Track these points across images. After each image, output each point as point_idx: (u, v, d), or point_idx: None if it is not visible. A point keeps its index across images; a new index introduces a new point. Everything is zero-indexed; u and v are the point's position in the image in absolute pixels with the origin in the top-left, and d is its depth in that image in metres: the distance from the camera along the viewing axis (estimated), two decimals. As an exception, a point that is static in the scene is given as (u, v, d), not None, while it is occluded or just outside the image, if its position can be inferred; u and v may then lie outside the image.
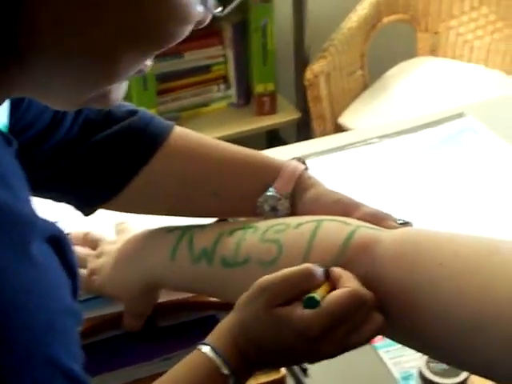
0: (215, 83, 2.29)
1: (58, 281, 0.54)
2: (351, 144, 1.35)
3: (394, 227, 0.78)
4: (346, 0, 2.20)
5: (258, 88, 2.26)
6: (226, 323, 0.72)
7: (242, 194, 0.85)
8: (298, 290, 0.70)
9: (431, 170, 1.29)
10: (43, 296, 0.51)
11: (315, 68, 2.06)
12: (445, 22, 2.28)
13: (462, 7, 2.25)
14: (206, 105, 2.30)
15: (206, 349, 0.71)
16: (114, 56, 0.57)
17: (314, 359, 0.72)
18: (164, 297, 0.90)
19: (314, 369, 0.92)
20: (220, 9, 0.62)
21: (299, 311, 0.68)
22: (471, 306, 0.68)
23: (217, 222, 0.88)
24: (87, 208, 0.88)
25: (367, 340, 0.70)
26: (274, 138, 2.45)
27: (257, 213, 0.85)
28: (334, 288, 0.71)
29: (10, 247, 0.50)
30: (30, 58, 0.55)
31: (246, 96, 2.31)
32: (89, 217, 0.89)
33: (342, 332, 0.69)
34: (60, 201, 0.88)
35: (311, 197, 0.83)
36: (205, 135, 0.89)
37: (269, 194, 0.84)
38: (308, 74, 2.06)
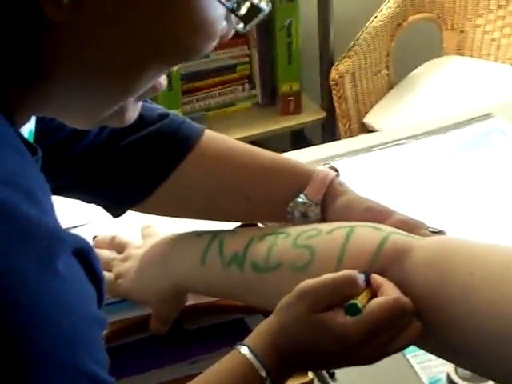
0: (240, 83, 2.28)
1: (82, 291, 0.54)
2: (378, 145, 1.34)
3: (426, 235, 0.77)
4: (371, -1, 2.19)
5: (283, 88, 2.26)
6: (266, 325, 0.72)
7: (274, 199, 0.85)
8: (340, 296, 0.70)
9: (459, 172, 1.27)
10: (68, 307, 0.52)
11: (340, 68, 2.05)
12: (471, 21, 2.26)
13: (489, 5, 2.23)
14: (231, 105, 2.29)
15: (244, 350, 0.71)
16: (136, 70, 0.57)
17: (351, 364, 0.72)
18: (191, 300, 0.90)
19: (341, 373, 0.91)
20: (242, 25, 0.62)
21: (341, 318, 0.69)
22: (501, 315, 0.67)
23: (246, 227, 0.88)
24: (117, 210, 0.88)
25: (406, 346, 0.71)
26: (298, 137, 2.44)
27: (287, 218, 0.84)
28: (374, 295, 0.71)
29: (37, 261, 0.50)
30: (53, 76, 0.56)
31: (271, 96, 2.30)
32: (115, 220, 0.89)
33: (383, 340, 0.69)
34: (89, 202, 0.88)
35: (342, 204, 0.83)
36: (234, 139, 0.90)
37: (299, 200, 0.84)
38: (333, 74, 2.05)
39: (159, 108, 0.89)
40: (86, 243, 0.56)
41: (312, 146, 2.29)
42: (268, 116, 2.28)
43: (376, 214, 0.81)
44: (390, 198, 1.17)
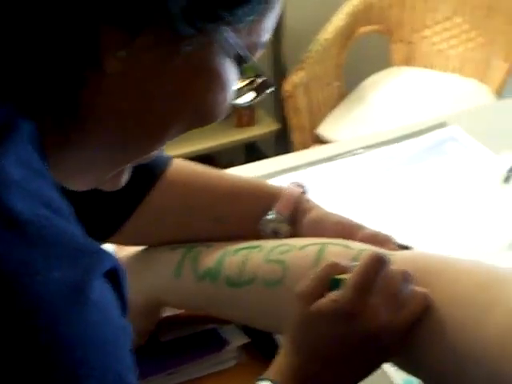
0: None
1: (114, 322, 0.52)
2: (332, 156, 1.35)
3: (395, 250, 0.80)
4: (322, 11, 2.22)
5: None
6: (282, 356, 0.72)
7: (244, 218, 0.88)
8: (325, 282, 0.71)
9: (416, 180, 1.29)
10: (102, 343, 0.49)
11: (294, 79, 2.08)
12: (419, 32, 2.31)
13: (435, 17, 2.28)
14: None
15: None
16: (161, 129, 0.58)
17: (375, 349, 0.71)
18: (166, 311, 0.91)
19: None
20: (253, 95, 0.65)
21: (329, 296, 0.70)
22: (459, 339, 0.69)
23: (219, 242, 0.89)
24: None
25: (416, 315, 0.71)
26: (252, 150, 2.46)
27: (259, 236, 0.86)
28: None
29: (70, 286, 0.48)
30: (85, 124, 0.55)
31: (225, 108, 2.31)
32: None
33: (381, 301, 0.69)
34: None
35: (311, 219, 0.86)
36: (201, 164, 0.92)
37: (269, 217, 0.86)
38: (287, 86, 2.07)
39: None
40: (119, 263, 0.54)
41: (265, 157, 2.32)
42: (223, 128, 2.30)
43: (346, 229, 0.83)
44: (346, 209, 1.19)
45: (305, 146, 2.14)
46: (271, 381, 0.70)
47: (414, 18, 2.30)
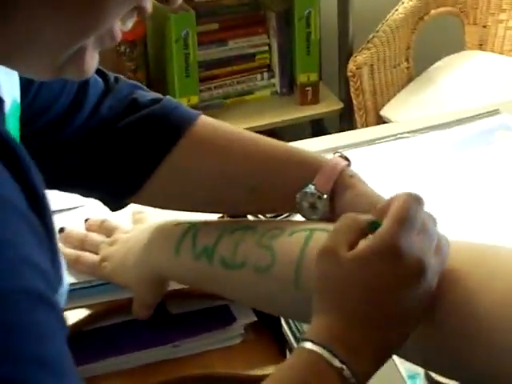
0: (259, 71, 2.29)
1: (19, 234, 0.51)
2: (382, 138, 1.34)
3: None
4: (392, -9, 2.18)
5: (302, 77, 2.26)
6: (320, 316, 0.68)
7: (281, 189, 0.83)
8: (354, 229, 0.68)
9: (460, 168, 1.27)
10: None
11: (358, 59, 2.05)
12: (494, 16, 2.24)
13: (512, 1, 2.21)
14: (249, 93, 2.30)
15: (308, 344, 0.65)
16: None
17: (420, 293, 0.66)
18: (176, 284, 0.91)
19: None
20: None
21: (369, 237, 0.67)
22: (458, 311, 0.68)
23: (221, 218, 0.88)
24: (113, 203, 0.87)
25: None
26: (317, 127, 2.44)
27: (296, 209, 0.82)
28: None
29: None
30: (14, 8, 0.53)
31: (290, 85, 2.30)
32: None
33: (425, 242, 0.67)
34: (86, 196, 0.88)
35: (349, 198, 0.80)
36: (236, 126, 0.87)
37: (307, 190, 0.81)
38: (351, 66, 2.05)
39: (154, 94, 0.87)
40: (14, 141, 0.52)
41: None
42: (286, 105, 2.29)
43: (379, 213, 0.75)
44: (390, 191, 1.18)
45: (368, 127, 2.11)
46: (312, 341, 0.65)
47: (489, 0, 2.23)
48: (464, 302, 0.68)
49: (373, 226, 0.68)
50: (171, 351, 0.90)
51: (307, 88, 2.26)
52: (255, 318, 0.91)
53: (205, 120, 0.85)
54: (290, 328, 0.93)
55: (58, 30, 0.55)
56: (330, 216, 0.81)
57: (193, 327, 0.91)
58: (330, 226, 0.77)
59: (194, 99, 2.16)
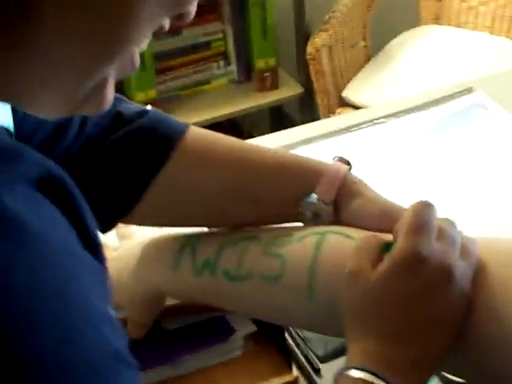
0: (215, 60, 2.25)
1: (57, 247, 0.46)
2: (358, 124, 1.32)
3: None
4: (346, -30, 2.15)
5: (259, 63, 2.22)
6: (359, 342, 0.66)
7: (282, 200, 0.79)
8: (373, 251, 0.67)
9: (440, 150, 1.25)
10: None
11: (317, 41, 2.01)
12: (448, -11, 2.23)
13: (466, -28, 2.20)
14: (206, 82, 2.26)
15: (354, 372, 0.63)
16: (130, 18, 0.48)
17: (453, 295, 0.65)
18: (170, 300, 0.87)
19: (326, 369, 0.89)
20: None
21: (387, 254, 0.66)
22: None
23: (221, 230, 0.84)
24: (104, 225, 0.81)
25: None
26: (277, 113, 2.41)
27: (299, 219, 0.79)
28: None
29: None
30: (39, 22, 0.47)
31: (247, 72, 2.26)
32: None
33: (446, 246, 0.65)
34: None
35: (357, 207, 0.76)
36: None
37: (310, 200, 0.77)
38: (309, 48, 2.01)
39: (138, 106, 0.82)
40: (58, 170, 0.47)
41: (291, 121, 2.28)
42: (245, 93, 2.25)
43: (389, 218, 0.73)
44: (373, 179, 1.16)
45: (330, 110, 2.09)
46: (361, 368, 0.63)
47: (443, -27, 2.21)
48: (499, 305, 0.65)
49: (386, 249, 0.67)
50: (171, 370, 0.86)
51: (265, 74, 2.23)
52: (255, 328, 0.88)
53: (195, 131, 0.81)
54: (292, 335, 0.90)
55: (81, 56, 0.49)
56: (335, 224, 0.77)
57: (191, 343, 0.88)
58: (341, 228, 0.74)
59: (152, 93, 2.11)
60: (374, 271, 0.65)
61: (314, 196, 0.77)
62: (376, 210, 0.76)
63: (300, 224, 0.79)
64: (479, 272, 0.67)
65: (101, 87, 0.52)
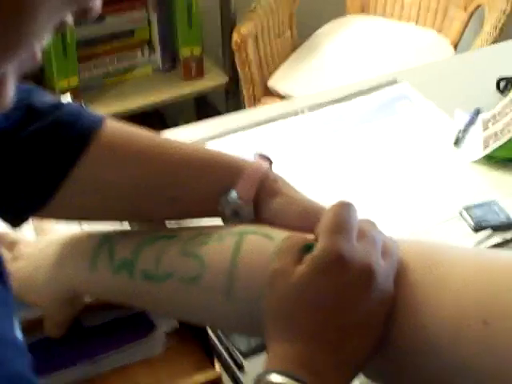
0: (139, 48, 2.21)
1: None
2: (282, 115, 1.31)
3: None
4: (272, -42, 2.13)
5: (184, 52, 2.19)
6: (277, 343, 0.64)
7: (202, 197, 0.77)
8: (295, 251, 0.66)
9: (364, 141, 1.25)
10: None
11: (242, 30, 2.00)
12: (374, -21, 2.24)
13: (392, -37, 2.21)
14: (130, 70, 2.22)
15: (274, 377, 0.61)
16: (28, 9, 0.45)
17: (375, 298, 0.64)
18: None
19: (250, 364, 0.88)
20: None
21: (308, 255, 0.64)
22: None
23: (139, 226, 0.82)
24: (15, 220, 0.79)
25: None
26: (202, 103, 2.38)
27: (219, 216, 0.77)
28: None
29: None
30: None
31: (172, 60, 2.23)
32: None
33: (367, 246, 0.64)
34: None
35: (277, 206, 0.75)
36: (143, 130, 0.79)
37: (229, 198, 0.76)
38: (235, 37, 2.00)
39: (51, 98, 0.79)
40: None
41: (216, 111, 2.26)
42: (170, 81, 2.22)
43: (311, 217, 0.72)
44: (296, 171, 1.16)
45: (255, 99, 2.08)
46: (281, 372, 0.61)
47: (369, -37, 2.22)
48: (411, 314, 0.65)
49: (307, 249, 0.66)
50: (91, 368, 0.84)
51: (191, 62, 2.20)
52: (177, 324, 0.86)
53: (111, 125, 0.78)
54: (214, 331, 0.89)
55: None
56: (255, 222, 0.76)
57: (111, 340, 0.85)
58: (261, 228, 0.73)
59: (74, 80, 2.06)
60: (295, 272, 0.64)
61: (234, 194, 0.76)
62: (297, 210, 0.74)
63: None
64: (400, 272, 0.66)
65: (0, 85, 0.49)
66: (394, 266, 0.66)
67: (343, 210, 0.66)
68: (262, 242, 0.71)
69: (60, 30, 0.50)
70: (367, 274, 0.63)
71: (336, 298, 0.63)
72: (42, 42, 0.49)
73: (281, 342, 0.63)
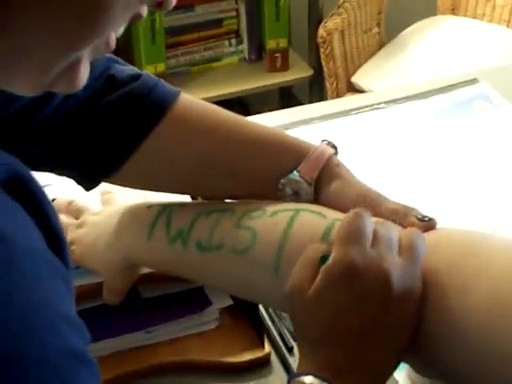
0: (227, 38, 2.24)
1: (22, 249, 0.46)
2: (358, 108, 1.30)
3: (413, 224, 0.72)
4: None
5: (270, 44, 2.21)
6: (302, 351, 0.68)
7: (262, 176, 0.79)
8: (314, 264, 0.67)
9: (439, 140, 1.24)
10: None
11: (329, 25, 2.00)
12: (467, -21, 2.21)
13: (485, -36, 2.18)
14: (216, 60, 2.25)
15: (309, 379, 0.64)
16: (106, 2, 0.49)
17: (396, 302, 0.64)
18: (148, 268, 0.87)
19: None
20: None
21: (322, 268, 0.66)
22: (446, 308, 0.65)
23: (198, 200, 0.84)
24: (89, 183, 0.82)
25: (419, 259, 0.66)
26: (286, 94, 2.40)
27: (277, 196, 0.79)
28: None
29: None
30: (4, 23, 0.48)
31: (258, 52, 2.25)
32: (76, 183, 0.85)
33: (383, 250, 0.65)
34: (61, 175, 0.83)
35: (336, 188, 0.77)
36: (216, 106, 0.82)
37: (292, 176, 0.78)
38: (321, 31, 2.00)
39: (131, 69, 0.82)
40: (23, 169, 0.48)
41: (299, 103, 2.27)
42: (255, 72, 2.24)
43: (367, 202, 0.75)
44: (364, 164, 1.15)
45: (339, 94, 2.08)
46: (316, 375, 0.64)
47: (462, -36, 2.19)
48: (445, 300, 0.65)
49: (323, 261, 0.67)
50: (144, 337, 0.86)
51: (276, 54, 2.22)
52: (231, 302, 0.88)
53: (186, 99, 0.81)
54: (268, 311, 0.90)
55: (55, 41, 0.49)
56: (312, 203, 0.78)
57: (166, 312, 0.88)
58: (316, 207, 0.74)
59: (161, 67, 2.10)
60: (311, 288, 0.65)
61: (296, 174, 0.78)
62: (352, 193, 0.76)
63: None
64: (438, 259, 0.66)
65: (74, 67, 0.52)
66: (417, 259, 0.66)
67: (356, 219, 0.67)
68: (315, 219, 0.73)
69: (135, 20, 0.54)
70: (382, 278, 0.64)
71: (354, 307, 0.64)
72: (118, 30, 0.53)
73: (306, 349, 0.66)
